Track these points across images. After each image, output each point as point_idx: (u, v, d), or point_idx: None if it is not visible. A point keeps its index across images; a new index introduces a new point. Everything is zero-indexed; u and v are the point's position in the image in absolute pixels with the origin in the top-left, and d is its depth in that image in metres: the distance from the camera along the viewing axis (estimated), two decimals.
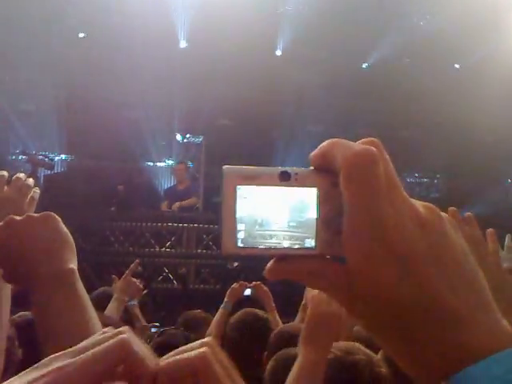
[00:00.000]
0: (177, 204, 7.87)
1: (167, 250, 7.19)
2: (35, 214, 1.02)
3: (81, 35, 10.58)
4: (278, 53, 11.23)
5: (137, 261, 3.93)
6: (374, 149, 0.43)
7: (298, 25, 10.98)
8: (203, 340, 0.47)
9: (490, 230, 1.64)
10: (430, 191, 12.15)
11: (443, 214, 0.45)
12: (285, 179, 0.45)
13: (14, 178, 1.63)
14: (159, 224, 7.30)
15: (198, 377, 0.44)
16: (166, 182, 9.98)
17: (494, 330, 0.42)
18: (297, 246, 0.45)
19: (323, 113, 10.97)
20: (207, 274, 7.09)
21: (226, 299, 3.90)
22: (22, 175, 1.63)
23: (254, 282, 4.04)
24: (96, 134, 9.90)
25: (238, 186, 0.45)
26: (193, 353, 0.45)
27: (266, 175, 0.45)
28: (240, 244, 0.44)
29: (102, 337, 0.44)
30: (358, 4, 10.49)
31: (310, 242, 0.45)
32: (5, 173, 1.56)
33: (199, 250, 7.18)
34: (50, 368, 0.42)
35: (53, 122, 10.16)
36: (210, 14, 10.11)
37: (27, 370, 0.43)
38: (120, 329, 0.44)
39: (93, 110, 10.18)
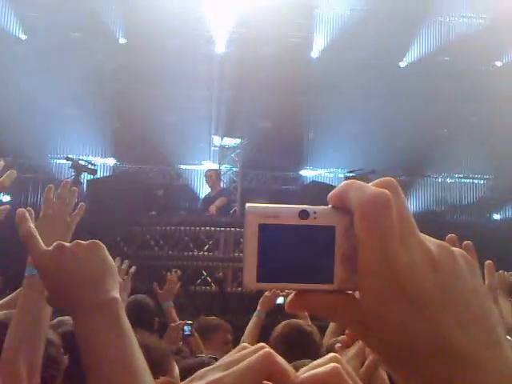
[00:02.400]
0: (213, 207, 8.06)
1: (205, 253, 7.36)
2: (83, 242, 1.05)
3: (121, 41, 10.89)
4: (315, 54, 11.25)
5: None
6: (386, 192, 0.44)
7: (333, 25, 11.00)
8: (332, 355, 0.50)
9: (488, 263, 1.54)
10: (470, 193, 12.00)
11: (458, 250, 0.46)
12: (304, 217, 0.47)
13: (60, 189, 1.72)
14: (197, 228, 7.47)
15: None
16: (203, 186, 10.17)
17: (504, 368, 0.43)
18: (314, 282, 0.46)
19: (361, 113, 10.94)
20: None
21: (258, 307, 3.93)
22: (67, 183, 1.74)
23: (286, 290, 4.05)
24: (136, 138, 10.19)
25: (260, 223, 0.46)
26: (328, 367, 0.47)
27: (287, 213, 0.47)
28: (260, 280, 0.46)
29: (245, 352, 0.47)
30: (394, 2, 10.43)
31: (329, 278, 0.46)
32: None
33: (236, 254, 7.32)
34: (204, 381, 0.45)
35: (95, 127, 10.49)
36: (246, 17, 10.24)
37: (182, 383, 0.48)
38: (260, 344, 0.48)
39: (133, 115, 10.46)
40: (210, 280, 7.23)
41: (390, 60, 11.11)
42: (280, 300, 4.04)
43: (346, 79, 10.44)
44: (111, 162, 11.04)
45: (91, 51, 10.37)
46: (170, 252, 7.38)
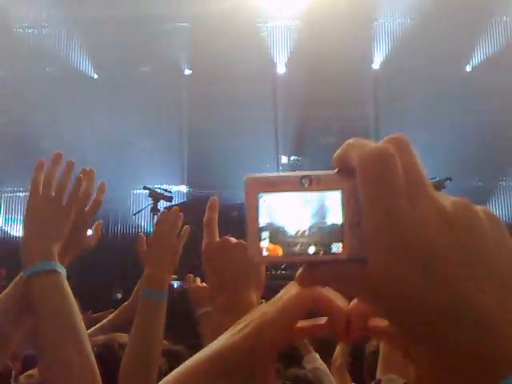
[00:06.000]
0: None
1: (282, 272, 7.44)
2: (244, 242, 1.16)
3: (187, 72, 11.33)
4: (376, 66, 11.22)
5: None
6: (388, 147, 0.41)
7: (393, 35, 10.94)
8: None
9: None
10: None
11: (480, 207, 0.41)
12: (306, 184, 0.44)
13: (162, 213, 1.89)
14: None
15: None
16: None
17: None
18: (322, 252, 0.43)
19: (430, 120, 10.75)
20: None
21: None
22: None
23: None
24: (207, 164, 10.51)
25: (260, 194, 0.44)
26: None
27: (288, 181, 0.44)
28: (265, 252, 0.44)
29: (289, 287, 0.48)
30: (453, 6, 10.25)
31: (337, 247, 0.43)
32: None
33: None
34: (252, 317, 0.48)
35: (168, 157, 10.92)
36: (305, 36, 10.39)
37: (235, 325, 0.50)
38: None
39: (202, 142, 10.81)
40: None
41: (455, 65, 10.90)
42: None
43: (411, 88, 10.33)
44: (185, 188, 11.42)
45: (159, 84, 10.84)
46: None
